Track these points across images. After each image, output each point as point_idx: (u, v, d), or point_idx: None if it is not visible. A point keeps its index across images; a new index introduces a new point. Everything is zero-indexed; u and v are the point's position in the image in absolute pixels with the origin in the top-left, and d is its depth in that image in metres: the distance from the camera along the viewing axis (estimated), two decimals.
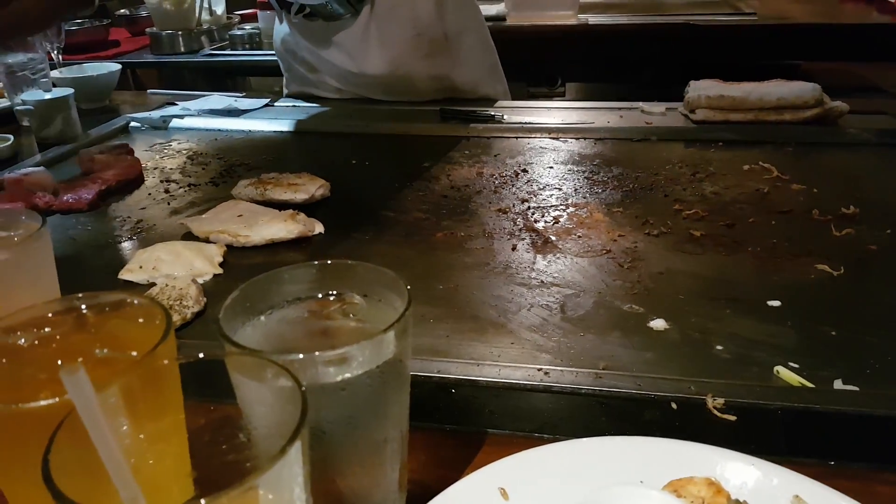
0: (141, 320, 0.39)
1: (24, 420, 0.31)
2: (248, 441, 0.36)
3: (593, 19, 2.47)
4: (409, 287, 0.40)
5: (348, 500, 0.40)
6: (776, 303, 0.70)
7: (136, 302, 0.40)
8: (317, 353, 0.35)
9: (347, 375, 0.36)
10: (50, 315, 0.39)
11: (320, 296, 0.43)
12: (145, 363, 0.34)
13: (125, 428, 0.31)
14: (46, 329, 0.38)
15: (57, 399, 0.31)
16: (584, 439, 0.48)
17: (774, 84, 1.20)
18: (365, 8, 1.32)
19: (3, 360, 0.36)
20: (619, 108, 1.35)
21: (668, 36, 2.29)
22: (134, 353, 0.36)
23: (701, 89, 1.24)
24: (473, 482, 0.45)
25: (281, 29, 1.48)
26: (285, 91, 1.60)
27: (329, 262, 0.43)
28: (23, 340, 0.37)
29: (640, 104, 1.35)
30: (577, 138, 1.23)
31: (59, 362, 0.36)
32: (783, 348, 0.62)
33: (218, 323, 0.38)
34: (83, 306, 0.40)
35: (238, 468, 0.35)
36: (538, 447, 0.48)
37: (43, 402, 0.31)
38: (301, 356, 0.35)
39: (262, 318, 0.42)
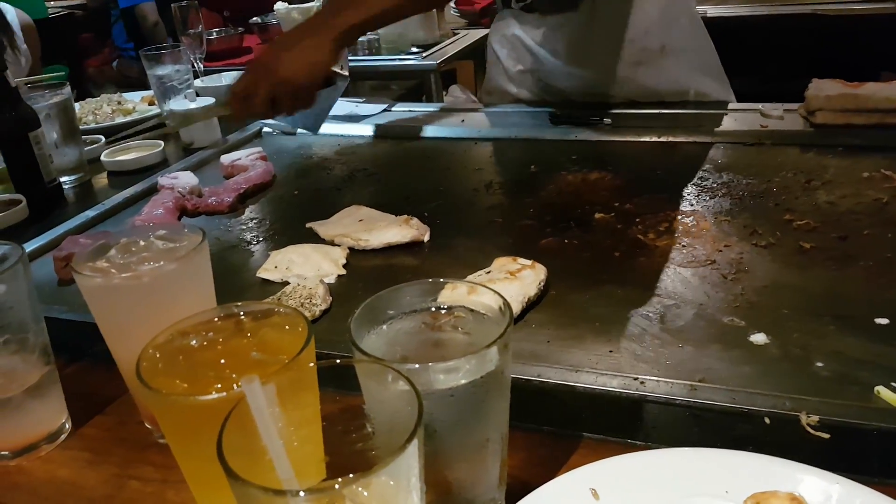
0: (287, 327, 0.46)
1: (200, 409, 0.39)
2: (372, 432, 0.43)
3: (712, 11, 2.40)
4: (510, 307, 0.45)
5: (455, 490, 0.46)
6: (884, 320, 0.69)
7: (282, 311, 0.48)
8: (430, 363, 0.41)
9: (455, 383, 0.42)
10: (216, 320, 0.47)
11: (433, 309, 0.49)
12: (292, 366, 0.41)
13: (277, 419, 0.39)
14: (212, 333, 0.47)
15: (225, 394, 0.39)
16: (675, 449, 0.52)
17: None
18: (586, 4, 1.37)
19: (180, 358, 0.45)
20: (735, 110, 1.33)
21: (793, 28, 2.19)
22: (282, 356, 0.44)
23: (821, 89, 1.20)
24: (567, 481, 0.49)
25: (499, 24, 1.55)
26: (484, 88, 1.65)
27: (442, 280, 0.49)
28: (194, 342, 0.46)
29: (759, 106, 1.31)
30: (687, 142, 1.23)
31: (223, 362, 0.45)
32: (888, 368, 0.62)
33: (349, 332, 0.45)
34: (241, 313, 0.48)
35: (364, 456, 0.42)
36: (630, 454, 0.52)
37: (215, 396, 0.39)
38: (417, 366, 0.41)
39: (384, 327, 0.49)
